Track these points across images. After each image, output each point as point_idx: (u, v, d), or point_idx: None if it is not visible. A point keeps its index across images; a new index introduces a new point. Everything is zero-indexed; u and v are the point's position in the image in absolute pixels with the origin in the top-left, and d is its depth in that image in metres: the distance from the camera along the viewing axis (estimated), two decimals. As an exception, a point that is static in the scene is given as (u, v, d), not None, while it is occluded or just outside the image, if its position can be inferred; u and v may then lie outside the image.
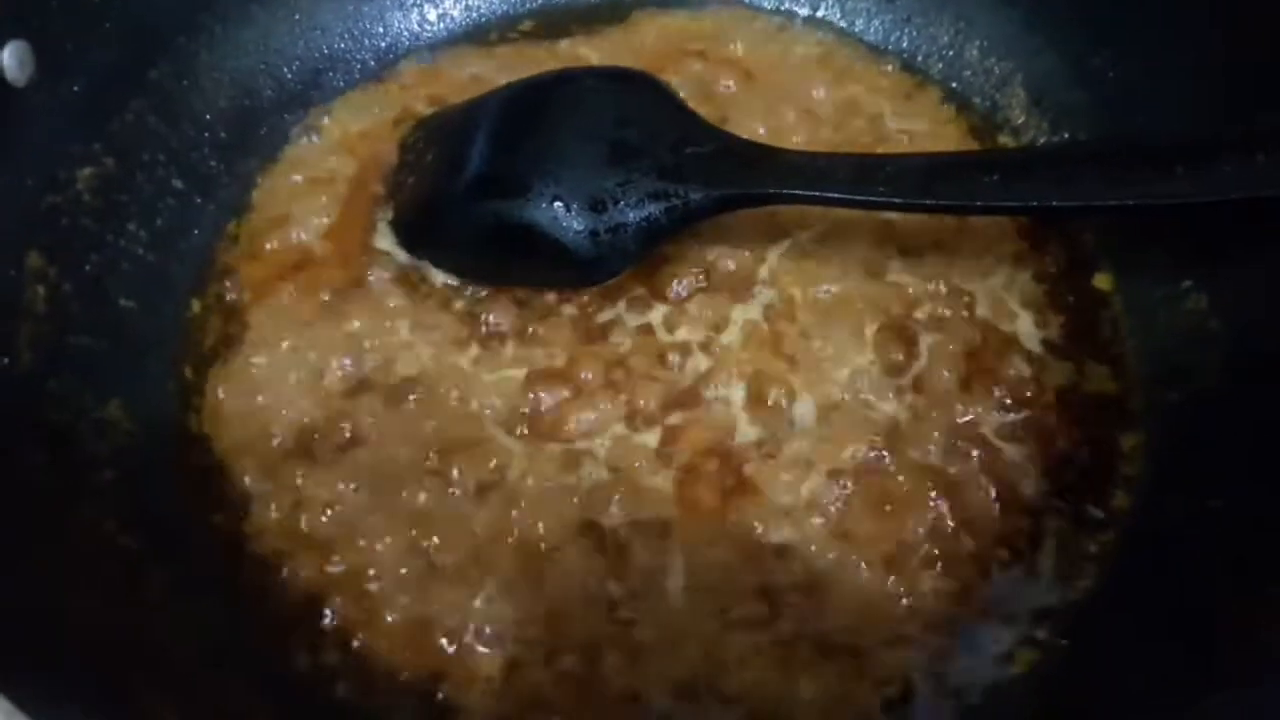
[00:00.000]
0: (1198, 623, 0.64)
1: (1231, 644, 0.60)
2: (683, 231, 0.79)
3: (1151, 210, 0.71)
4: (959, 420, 0.75)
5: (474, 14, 0.99)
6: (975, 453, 0.74)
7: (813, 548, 0.71)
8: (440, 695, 0.68)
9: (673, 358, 0.78)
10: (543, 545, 0.71)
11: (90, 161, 0.78)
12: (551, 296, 0.81)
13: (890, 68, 0.94)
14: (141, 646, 0.64)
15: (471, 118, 0.82)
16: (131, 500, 0.71)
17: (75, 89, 0.76)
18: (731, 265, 0.82)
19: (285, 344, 0.79)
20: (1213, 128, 0.75)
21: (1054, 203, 0.71)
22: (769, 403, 0.76)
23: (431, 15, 0.98)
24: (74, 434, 0.72)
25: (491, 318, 0.80)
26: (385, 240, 0.84)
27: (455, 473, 0.74)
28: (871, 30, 0.96)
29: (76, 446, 0.71)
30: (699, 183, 0.76)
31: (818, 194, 0.75)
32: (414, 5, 0.98)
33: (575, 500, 0.73)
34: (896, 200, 0.73)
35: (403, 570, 0.71)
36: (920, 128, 0.90)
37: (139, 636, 0.65)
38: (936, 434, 0.75)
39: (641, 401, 0.77)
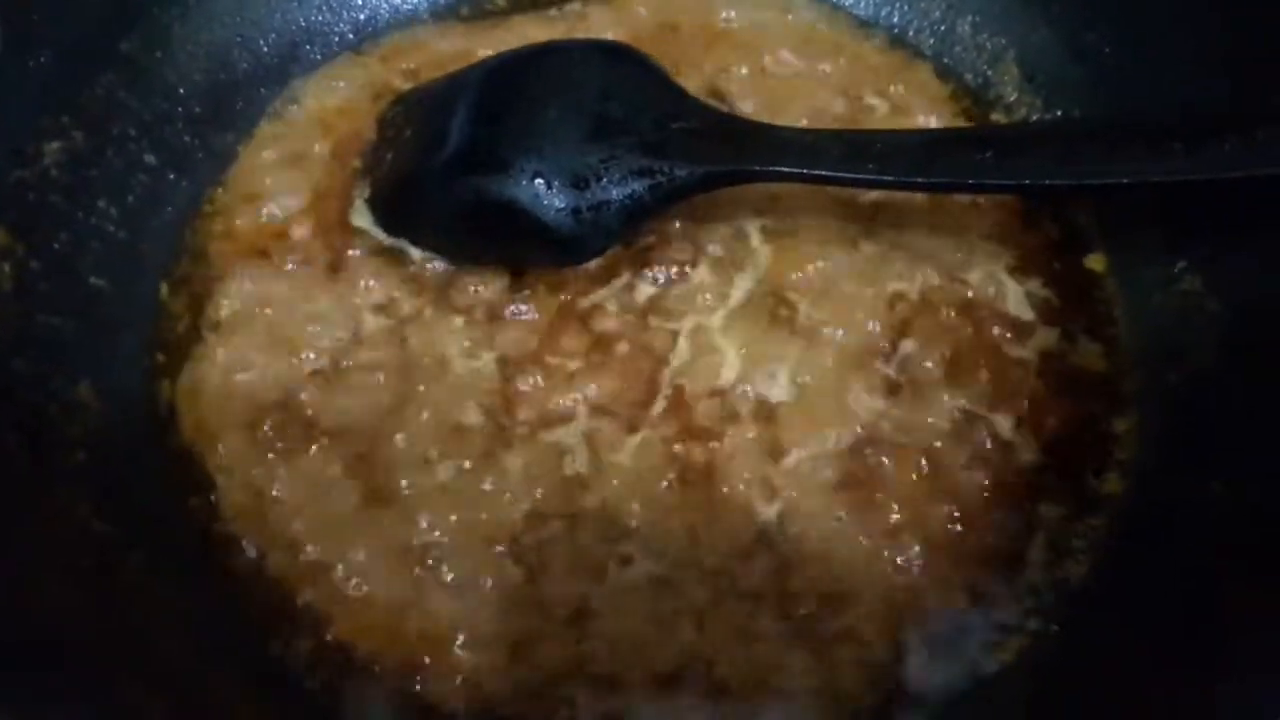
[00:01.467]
0: (1194, 610, 0.63)
1: (1229, 633, 0.59)
2: (668, 209, 0.77)
3: (1147, 189, 0.70)
4: (949, 400, 0.74)
5: (457, -16, 0.97)
6: (965, 433, 0.73)
7: (799, 532, 0.70)
8: (418, 687, 0.66)
9: (657, 339, 0.77)
10: (523, 533, 0.70)
11: (59, 135, 0.76)
12: (533, 276, 0.79)
13: (879, 42, 0.93)
14: (120, 636, 0.63)
15: (451, 92, 0.80)
16: (104, 484, 0.70)
17: (43, 60, 0.74)
18: (718, 245, 0.81)
19: (259, 324, 0.78)
20: (1210, 105, 0.74)
21: (1048, 181, 0.70)
22: (755, 385, 0.75)
23: (412, -15, 0.96)
24: (44, 416, 0.70)
25: (471, 297, 0.79)
26: (362, 218, 0.82)
27: (432, 457, 0.72)
28: (861, 4, 0.94)
29: (47, 428, 0.70)
30: (685, 159, 0.74)
31: (807, 171, 0.73)
32: (394, -25, 0.96)
33: (556, 485, 0.72)
34: (888, 178, 0.72)
35: (378, 559, 0.69)
36: (910, 105, 0.88)
37: (117, 626, 0.63)
38: (926, 415, 0.73)
39: (625, 384, 0.75)
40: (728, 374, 0.75)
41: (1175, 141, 0.68)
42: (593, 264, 0.78)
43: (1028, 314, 0.78)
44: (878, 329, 0.77)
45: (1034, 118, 0.88)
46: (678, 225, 0.80)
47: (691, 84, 0.81)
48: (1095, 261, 0.81)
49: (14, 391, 0.69)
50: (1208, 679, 0.57)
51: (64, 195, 0.76)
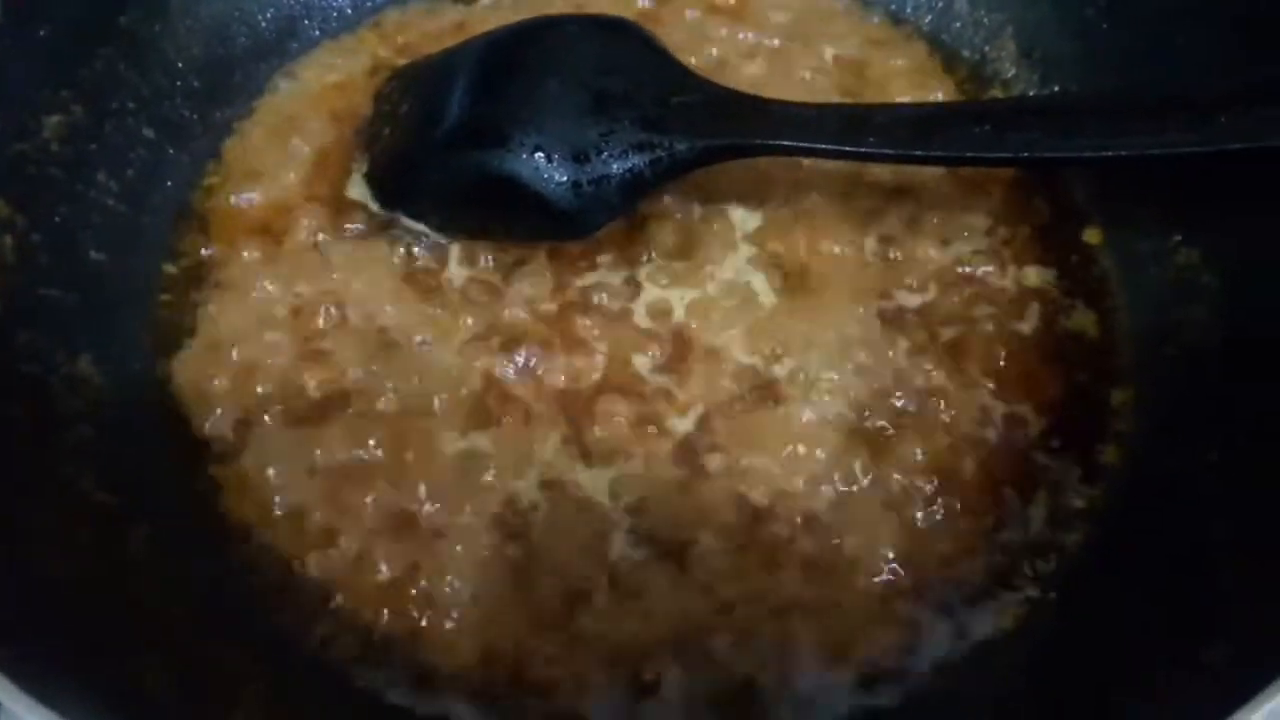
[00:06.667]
0: (1188, 579, 0.64)
1: (1223, 601, 0.60)
2: (668, 184, 0.77)
3: (1145, 162, 0.70)
4: (948, 370, 0.75)
5: (455, -41, 0.96)
6: (965, 403, 0.74)
7: (805, 501, 0.70)
8: (420, 656, 0.67)
9: (655, 319, 0.77)
10: (522, 506, 0.71)
11: (58, 109, 0.75)
12: (531, 250, 0.79)
13: (877, 18, 0.93)
14: (125, 608, 0.63)
15: (450, 66, 0.80)
16: (107, 457, 0.70)
17: (42, 33, 0.74)
18: (716, 221, 0.81)
19: (258, 297, 0.78)
20: (1209, 80, 0.74)
21: (1047, 154, 0.70)
22: (754, 365, 0.75)
23: (410, -40, 0.95)
24: (46, 389, 0.70)
25: (468, 271, 0.79)
26: (360, 193, 0.82)
27: (431, 429, 0.73)
28: (859, -20, 0.94)
29: (49, 401, 0.70)
30: (684, 133, 0.74)
31: (806, 145, 0.73)
32: (392, -50, 0.95)
33: (554, 460, 0.72)
34: (887, 151, 0.72)
35: (380, 529, 0.70)
36: (907, 81, 0.88)
37: (122, 598, 0.64)
38: (927, 384, 0.74)
39: (623, 361, 0.75)
40: (729, 349, 0.76)
41: (1174, 115, 0.68)
42: (590, 239, 0.78)
43: (1025, 284, 0.79)
44: (875, 303, 0.77)
45: (1031, 93, 0.88)
46: (677, 200, 0.80)
47: (688, 59, 0.81)
48: (1092, 235, 0.81)
49: (17, 364, 0.69)
50: (1201, 646, 0.58)
51: (64, 169, 0.76)
